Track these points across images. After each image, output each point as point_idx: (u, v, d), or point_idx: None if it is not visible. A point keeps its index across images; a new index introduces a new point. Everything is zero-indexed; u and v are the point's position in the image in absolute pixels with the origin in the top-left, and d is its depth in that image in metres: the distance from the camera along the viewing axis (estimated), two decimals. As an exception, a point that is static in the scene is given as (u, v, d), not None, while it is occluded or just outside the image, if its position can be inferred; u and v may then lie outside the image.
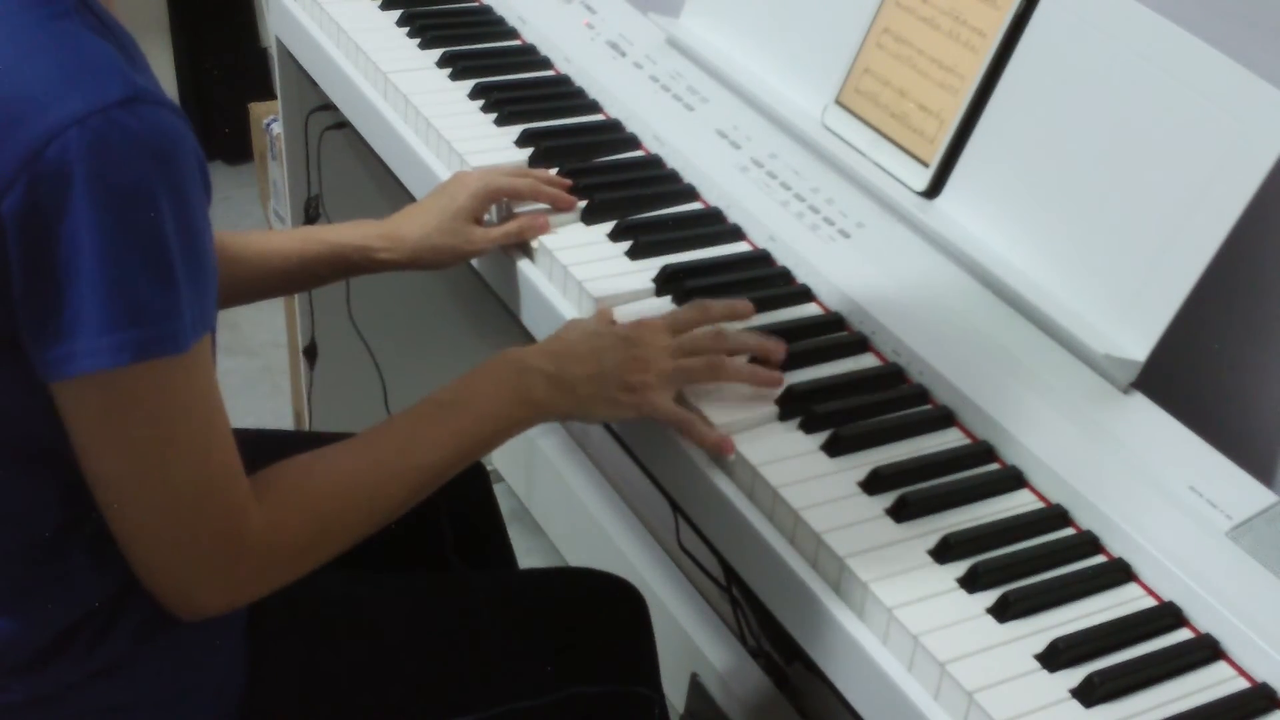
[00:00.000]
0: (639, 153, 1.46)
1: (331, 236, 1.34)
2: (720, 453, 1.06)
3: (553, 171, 1.37)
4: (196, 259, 0.90)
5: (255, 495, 0.97)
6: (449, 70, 1.57)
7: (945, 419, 1.11)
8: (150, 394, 0.90)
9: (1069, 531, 1.03)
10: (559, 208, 1.32)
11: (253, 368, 2.72)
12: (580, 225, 1.33)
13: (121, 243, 0.85)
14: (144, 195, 0.86)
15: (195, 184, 0.90)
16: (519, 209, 1.32)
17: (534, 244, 1.29)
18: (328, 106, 1.78)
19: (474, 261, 1.37)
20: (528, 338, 1.29)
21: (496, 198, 1.32)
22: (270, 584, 1.01)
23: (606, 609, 1.30)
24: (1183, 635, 0.95)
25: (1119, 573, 0.99)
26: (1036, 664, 0.91)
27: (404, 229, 1.32)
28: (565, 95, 1.56)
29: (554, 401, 1.10)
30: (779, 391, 1.11)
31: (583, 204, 1.34)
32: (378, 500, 1.05)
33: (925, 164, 1.30)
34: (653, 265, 1.27)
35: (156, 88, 0.91)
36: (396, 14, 1.69)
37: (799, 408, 1.10)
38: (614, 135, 1.48)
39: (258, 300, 1.37)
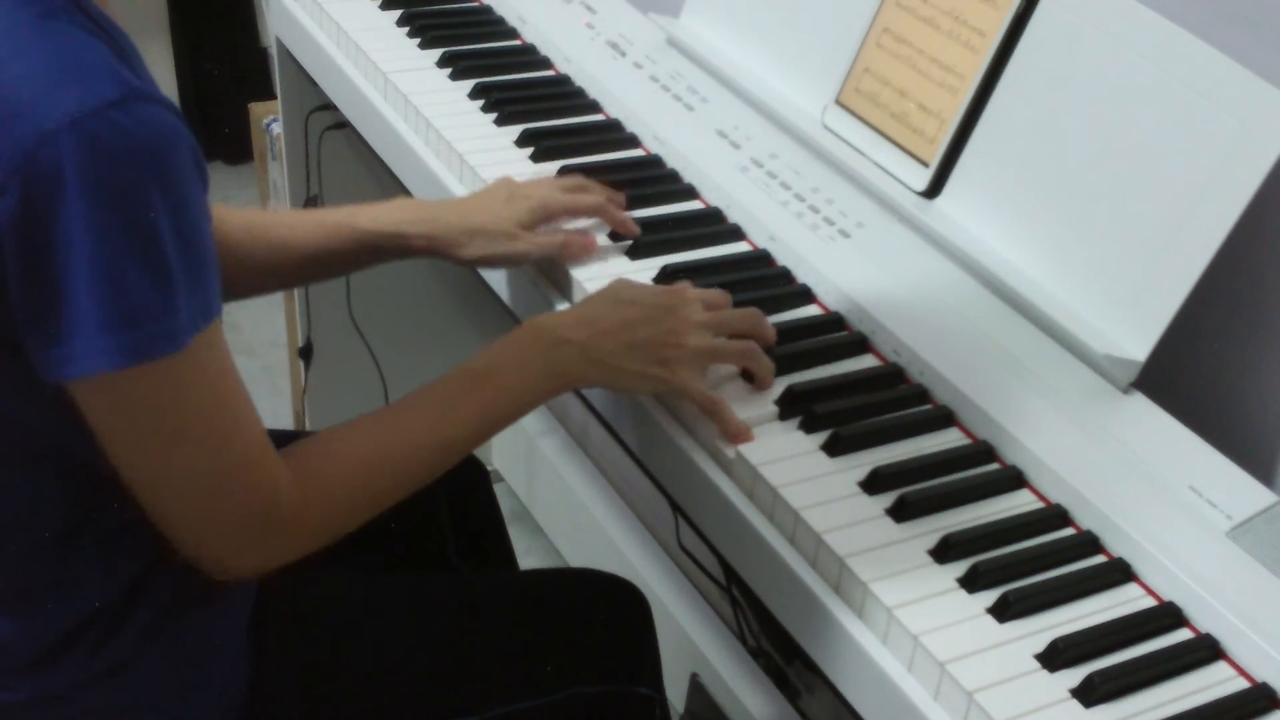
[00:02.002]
0: (639, 152, 1.46)
1: (362, 222, 1.27)
2: (741, 440, 1.06)
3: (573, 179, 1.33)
4: (194, 255, 0.90)
5: (289, 471, 0.98)
6: (449, 70, 1.57)
7: (945, 419, 1.11)
8: (155, 391, 0.90)
9: (1069, 531, 1.03)
10: (621, 232, 1.28)
11: (253, 368, 2.72)
12: (580, 225, 1.33)
13: (117, 244, 0.85)
14: (139, 195, 0.85)
15: (191, 179, 0.90)
16: (569, 224, 1.28)
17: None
18: (328, 106, 1.78)
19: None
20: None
21: (556, 218, 1.27)
22: (302, 551, 1.02)
23: (609, 609, 1.30)
24: (1183, 635, 0.95)
25: (1119, 573, 0.99)
26: (1036, 664, 0.91)
27: (444, 218, 1.26)
28: (565, 95, 1.56)
29: (583, 373, 1.09)
30: (772, 390, 1.12)
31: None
32: (407, 472, 1.06)
33: (925, 164, 1.30)
34: (653, 265, 1.27)
35: (151, 85, 0.91)
36: (396, 14, 1.69)
37: (799, 408, 1.10)
38: (614, 135, 1.48)
39: (275, 291, 1.35)
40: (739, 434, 1.06)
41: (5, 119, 0.84)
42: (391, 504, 1.06)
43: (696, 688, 1.82)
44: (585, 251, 1.24)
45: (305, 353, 2.07)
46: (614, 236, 1.30)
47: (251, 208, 1.19)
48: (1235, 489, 1.03)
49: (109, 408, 0.91)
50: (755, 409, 1.10)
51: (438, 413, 1.06)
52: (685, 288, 1.15)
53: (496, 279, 1.36)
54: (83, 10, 0.91)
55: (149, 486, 0.95)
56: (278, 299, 2.45)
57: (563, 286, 1.27)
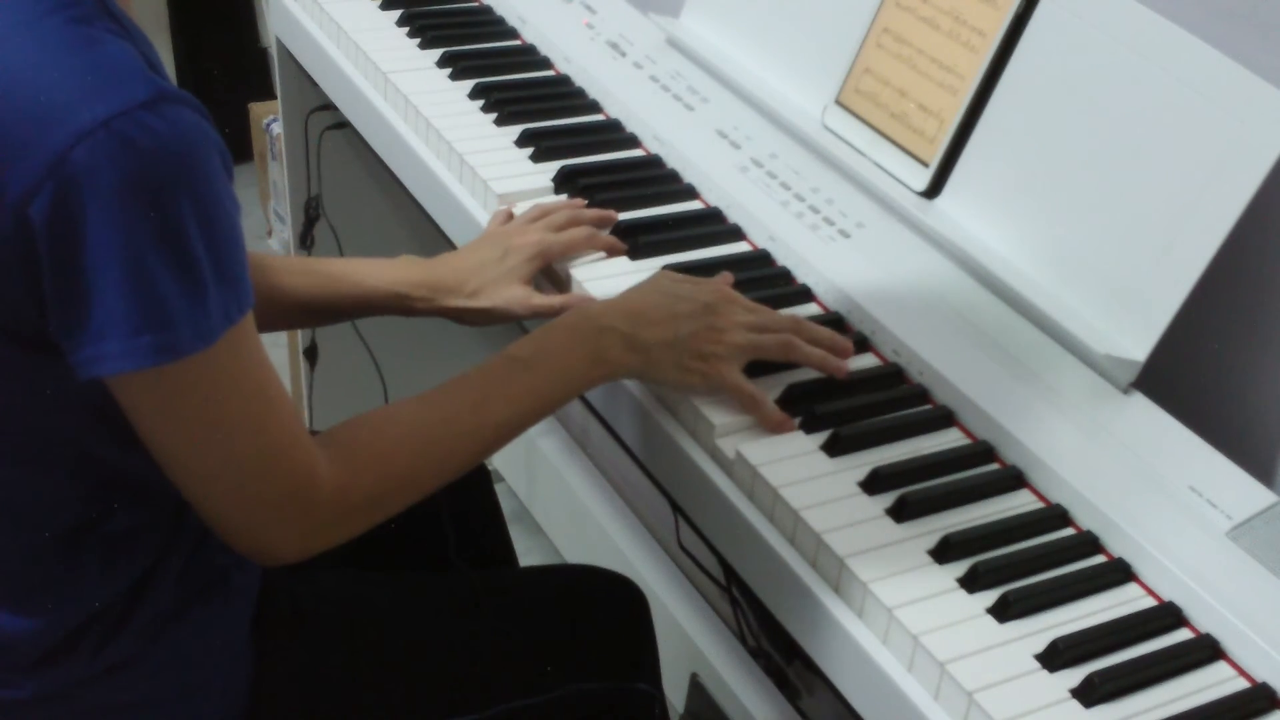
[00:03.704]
0: (639, 152, 1.46)
1: (365, 278, 1.27)
2: (783, 430, 1.08)
3: (583, 203, 1.33)
4: (224, 252, 0.90)
5: (325, 453, 0.99)
6: (449, 70, 1.57)
7: (945, 419, 1.11)
8: (191, 386, 0.91)
9: (1069, 531, 1.03)
10: (611, 254, 1.28)
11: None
12: (580, 225, 1.33)
13: (146, 245, 0.86)
14: (168, 196, 0.86)
15: (219, 176, 0.90)
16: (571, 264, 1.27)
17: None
18: (328, 106, 1.78)
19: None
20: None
21: (552, 261, 1.27)
22: (346, 534, 1.02)
23: (607, 605, 1.30)
24: (1183, 635, 0.95)
25: (1119, 573, 0.99)
26: (1036, 664, 0.91)
27: (443, 282, 1.26)
28: (565, 95, 1.56)
29: (626, 362, 1.10)
30: (771, 390, 1.11)
31: (583, 201, 1.34)
32: (449, 456, 1.06)
33: (925, 164, 1.30)
34: (653, 265, 1.27)
35: (172, 86, 0.91)
36: (396, 14, 1.69)
37: (799, 408, 1.10)
38: (614, 135, 1.48)
39: (267, 332, 1.34)
40: (781, 425, 1.08)
41: (39, 122, 0.85)
42: (438, 484, 1.06)
43: (696, 688, 1.82)
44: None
45: (310, 354, 2.07)
46: (613, 236, 1.30)
47: (253, 252, 1.18)
48: (1235, 489, 1.03)
49: (145, 403, 0.92)
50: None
51: (481, 394, 1.07)
52: (726, 278, 1.15)
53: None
54: (111, 15, 0.91)
55: (187, 475, 0.95)
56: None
57: (562, 288, 1.27)
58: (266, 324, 1.30)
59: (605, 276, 1.25)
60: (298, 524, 0.99)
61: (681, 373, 1.10)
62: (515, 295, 1.24)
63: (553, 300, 1.24)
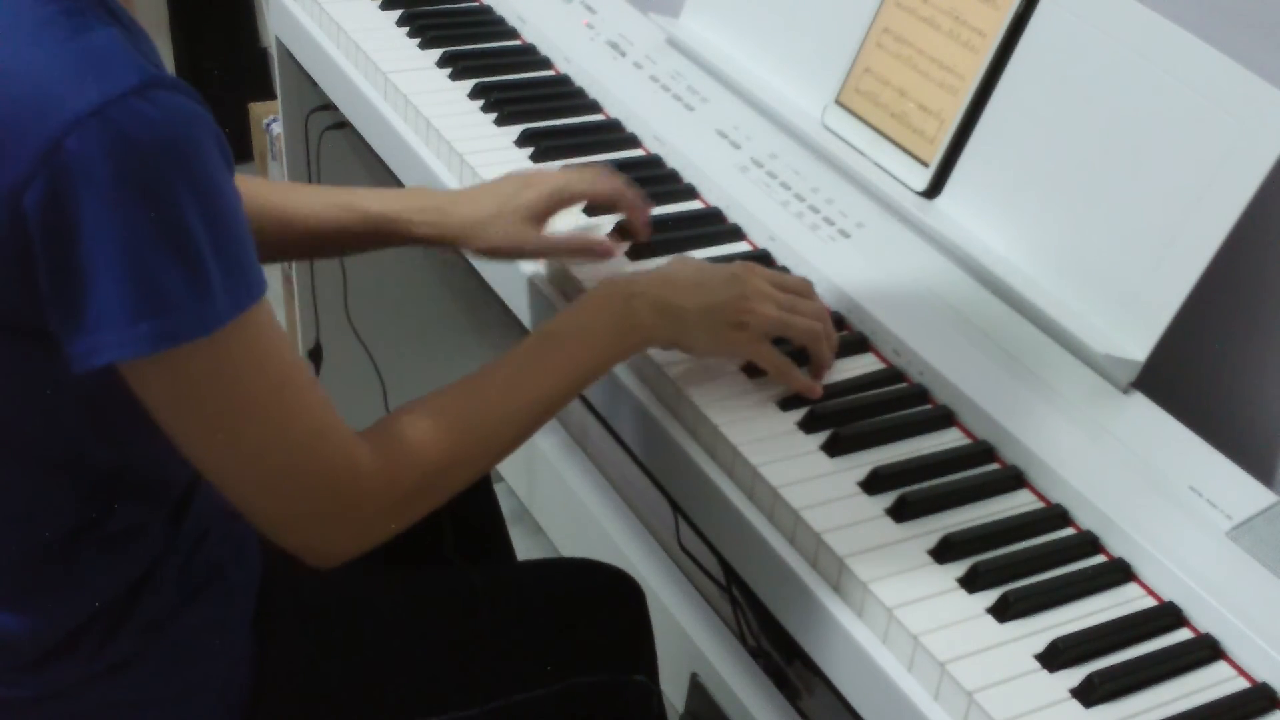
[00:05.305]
0: (639, 152, 1.46)
1: (370, 205, 1.26)
2: (816, 393, 1.11)
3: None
4: (225, 236, 0.89)
5: (367, 445, 0.98)
6: (449, 70, 1.57)
7: (945, 419, 1.11)
8: (206, 375, 0.90)
9: (1069, 531, 1.03)
10: (636, 224, 1.27)
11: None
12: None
13: (143, 231, 0.85)
14: (164, 182, 0.85)
15: (216, 162, 0.89)
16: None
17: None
18: (328, 106, 1.78)
19: (473, 260, 1.36)
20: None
21: (572, 202, 1.24)
22: (398, 525, 1.01)
23: (603, 599, 1.30)
24: (1183, 635, 0.95)
25: (1119, 573, 0.99)
26: (1036, 664, 0.91)
27: (453, 208, 1.25)
28: (565, 95, 1.56)
29: (660, 327, 1.10)
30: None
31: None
32: (491, 436, 1.05)
33: (925, 164, 1.30)
34: (653, 265, 1.26)
35: (164, 73, 0.91)
36: (396, 14, 1.69)
37: (799, 408, 1.10)
38: (614, 135, 1.48)
39: (275, 262, 1.33)
40: (812, 389, 1.11)
41: (32, 111, 0.84)
42: (484, 466, 1.06)
43: (696, 688, 1.82)
44: (603, 255, 1.22)
45: (315, 355, 2.06)
46: (613, 236, 1.30)
47: (258, 179, 1.16)
48: (1235, 489, 1.03)
49: (160, 394, 0.91)
50: (754, 409, 1.10)
51: (518, 372, 1.07)
52: (756, 265, 1.16)
53: (498, 282, 1.36)
54: (107, 9, 0.91)
55: (222, 474, 0.94)
56: (278, 298, 2.45)
57: (566, 289, 1.27)
58: (276, 255, 1.28)
59: (604, 273, 1.24)
60: (347, 519, 0.98)
61: (716, 340, 1.10)
62: (524, 232, 1.21)
63: (557, 240, 1.22)
